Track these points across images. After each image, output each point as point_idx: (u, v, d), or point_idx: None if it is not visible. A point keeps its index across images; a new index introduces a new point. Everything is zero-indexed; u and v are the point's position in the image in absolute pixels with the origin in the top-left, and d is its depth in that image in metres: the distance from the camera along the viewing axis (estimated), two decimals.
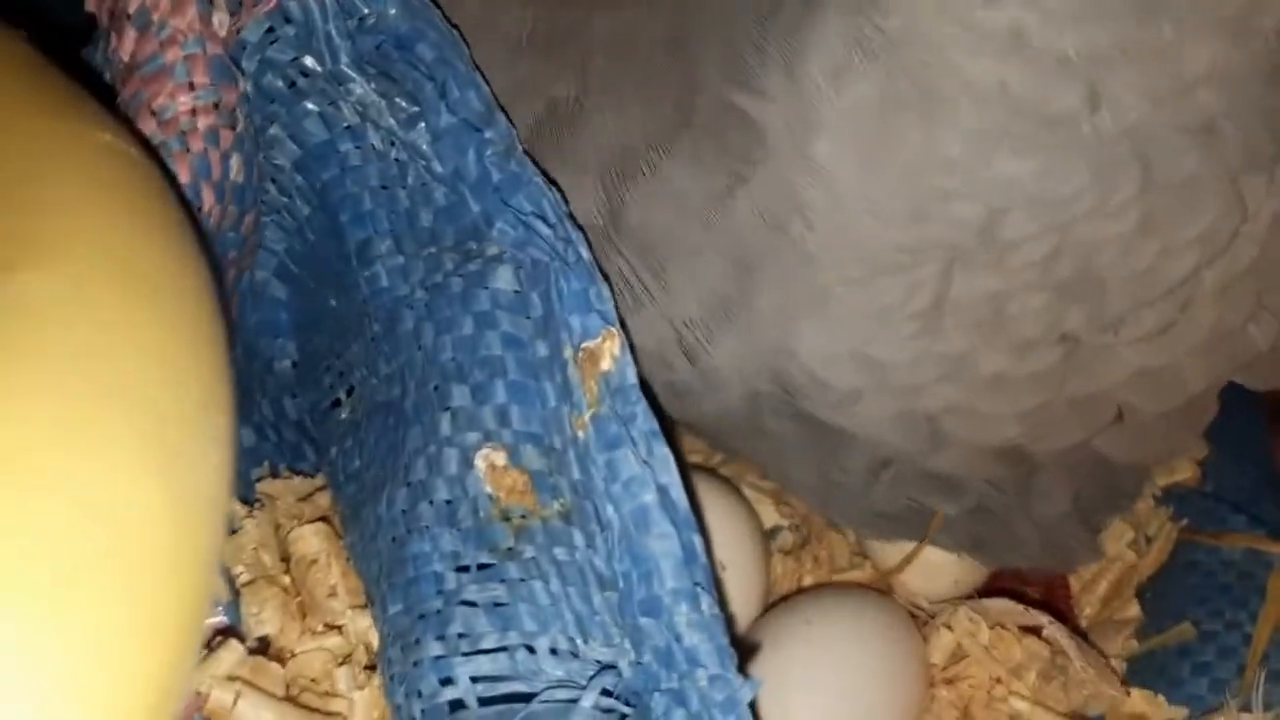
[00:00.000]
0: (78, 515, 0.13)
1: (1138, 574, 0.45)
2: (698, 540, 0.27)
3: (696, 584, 0.26)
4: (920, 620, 0.40)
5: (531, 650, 0.26)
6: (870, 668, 0.37)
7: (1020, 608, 0.39)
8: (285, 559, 0.32)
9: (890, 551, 0.42)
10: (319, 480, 0.35)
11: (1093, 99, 0.28)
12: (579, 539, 0.28)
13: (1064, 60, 0.28)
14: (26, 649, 0.13)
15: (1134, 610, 0.44)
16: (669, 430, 0.28)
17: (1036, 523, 0.39)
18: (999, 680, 0.38)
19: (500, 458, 0.28)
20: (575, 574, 0.27)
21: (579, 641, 0.26)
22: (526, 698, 0.25)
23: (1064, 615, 0.44)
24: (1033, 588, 0.44)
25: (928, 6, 0.28)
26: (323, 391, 0.35)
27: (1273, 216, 0.32)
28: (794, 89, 0.28)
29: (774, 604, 0.40)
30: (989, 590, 0.42)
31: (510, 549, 0.27)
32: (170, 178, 0.25)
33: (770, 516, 0.44)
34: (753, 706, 0.25)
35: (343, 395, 0.34)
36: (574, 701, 0.25)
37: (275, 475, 0.35)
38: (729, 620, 0.27)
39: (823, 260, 0.29)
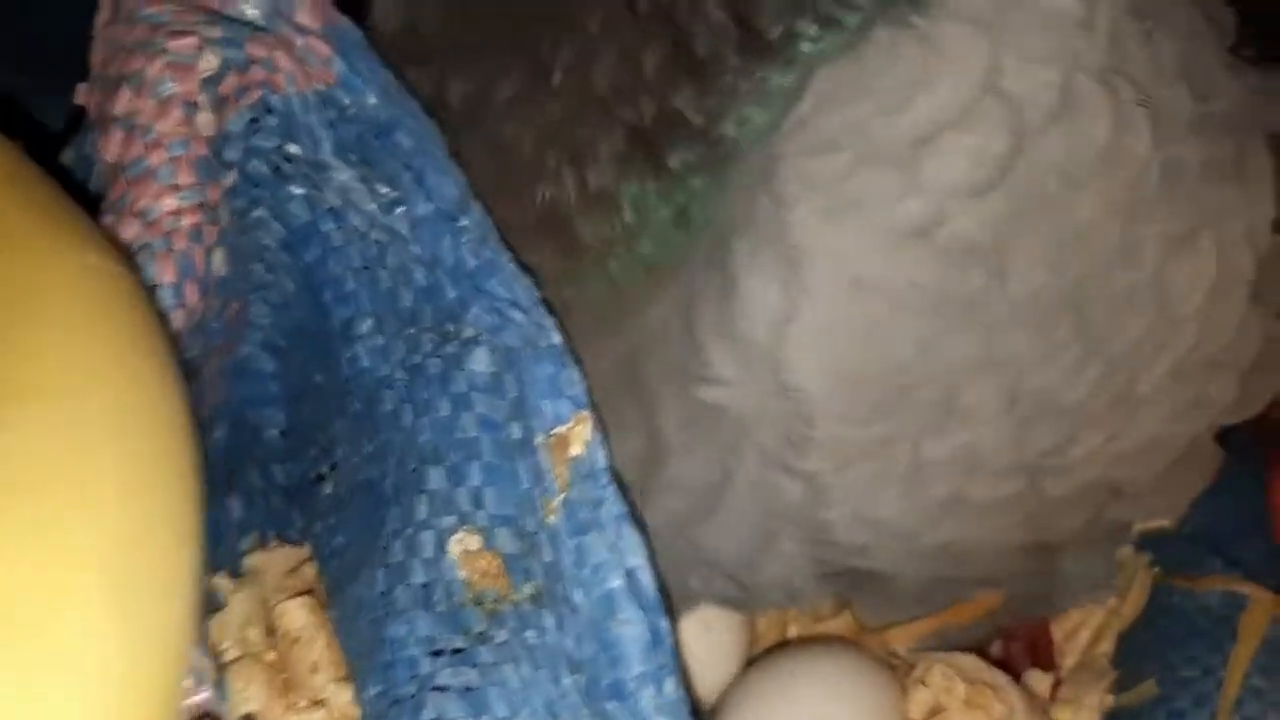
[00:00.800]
0: (36, 659, 0.14)
1: (1119, 621, 0.46)
2: (664, 624, 0.27)
3: (661, 667, 0.27)
4: (899, 670, 0.41)
5: None
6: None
7: (984, 666, 0.40)
8: (271, 632, 0.33)
9: None
10: (306, 551, 0.36)
11: (1002, 272, 0.31)
12: (549, 620, 0.29)
13: (972, 245, 0.31)
14: None
15: (1112, 660, 0.45)
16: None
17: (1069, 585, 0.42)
18: None
19: (475, 542, 0.29)
20: (546, 656, 0.28)
21: None
22: None
23: (1047, 665, 0.45)
24: (1016, 639, 0.45)
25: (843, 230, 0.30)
26: (308, 463, 0.36)
27: (1208, 292, 0.34)
28: (743, 357, 0.31)
29: (756, 657, 0.41)
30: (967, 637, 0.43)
31: (482, 633, 0.28)
32: (148, 284, 0.26)
33: None
34: None
35: (326, 470, 0.35)
36: None
37: (264, 544, 0.36)
38: (693, 703, 0.27)
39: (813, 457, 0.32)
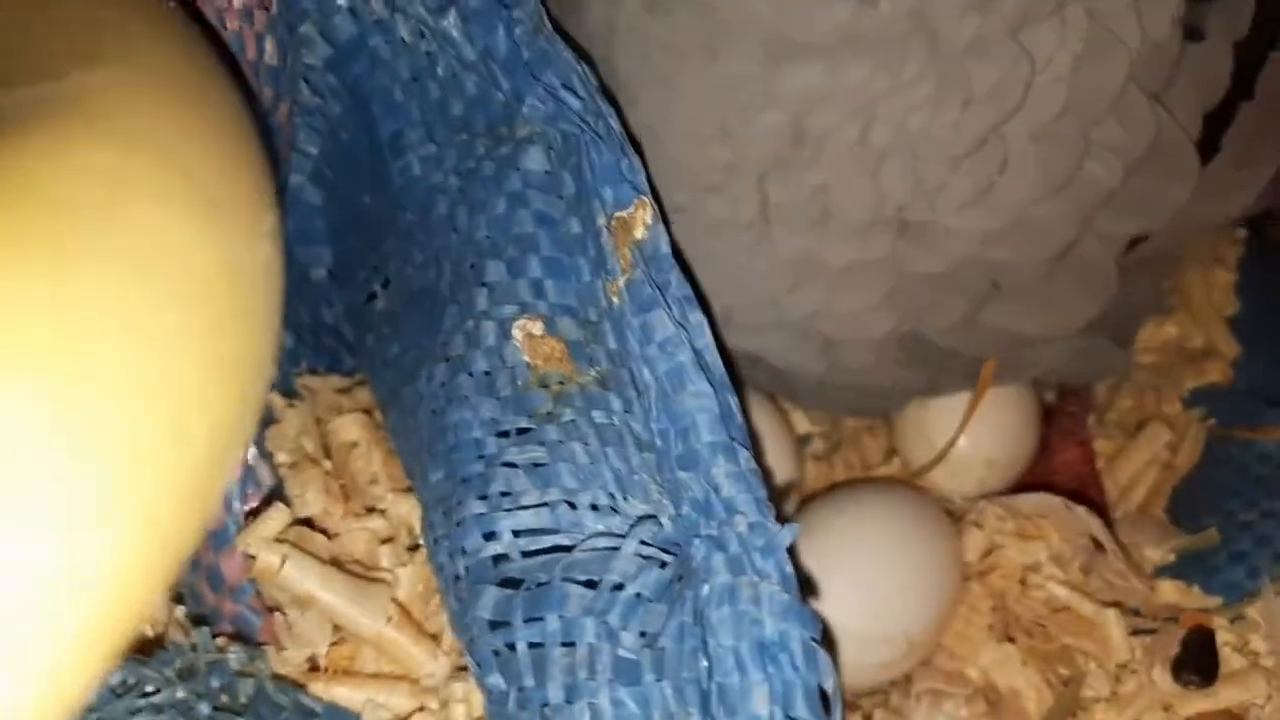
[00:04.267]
0: (140, 257, 0.13)
1: (1174, 475, 0.45)
2: (733, 400, 0.27)
3: (733, 439, 0.26)
4: (954, 517, 0.41)
5: (573, 506, 0.26)
6: (901, 557, 0.37)
7: (1057, 500, 0.39)
8: (326, 450, 0.32)
9: (920, 450, 0.42)
10: (357, 378, 0.35)
11: None
12: (616, 404, 0.28)
13: None
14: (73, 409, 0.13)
15: (1166, 511, 0.44)
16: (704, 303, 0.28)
17: None
18: (1033, 569, 0.38)
19: (537, 327, 0.29)
20: (614, 436, 0.27)
21: (619, 498, 0.26)
22: (568, 550, 0.26)
23: (1098, 515, 0.44)
24: (1062, 489, 0.44)
25: None
26: (358, 288, 0.35)
27: (1075, 58, 0.32)
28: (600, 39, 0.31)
29: (808, 498, 0.41)
30: (1018, 489, 0.42)
31: (549, 413, 0.27)
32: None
33: (802, 424, 0.45)
34: (791, 552, 0.25)
35: (378, 288, 0.34)
36: (615, 549, 0.25)
37: (314, 373, 0.36)
38: (767, 474, 0.27)
39: (661, 184, 0.31)
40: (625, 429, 0.28)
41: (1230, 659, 0.37)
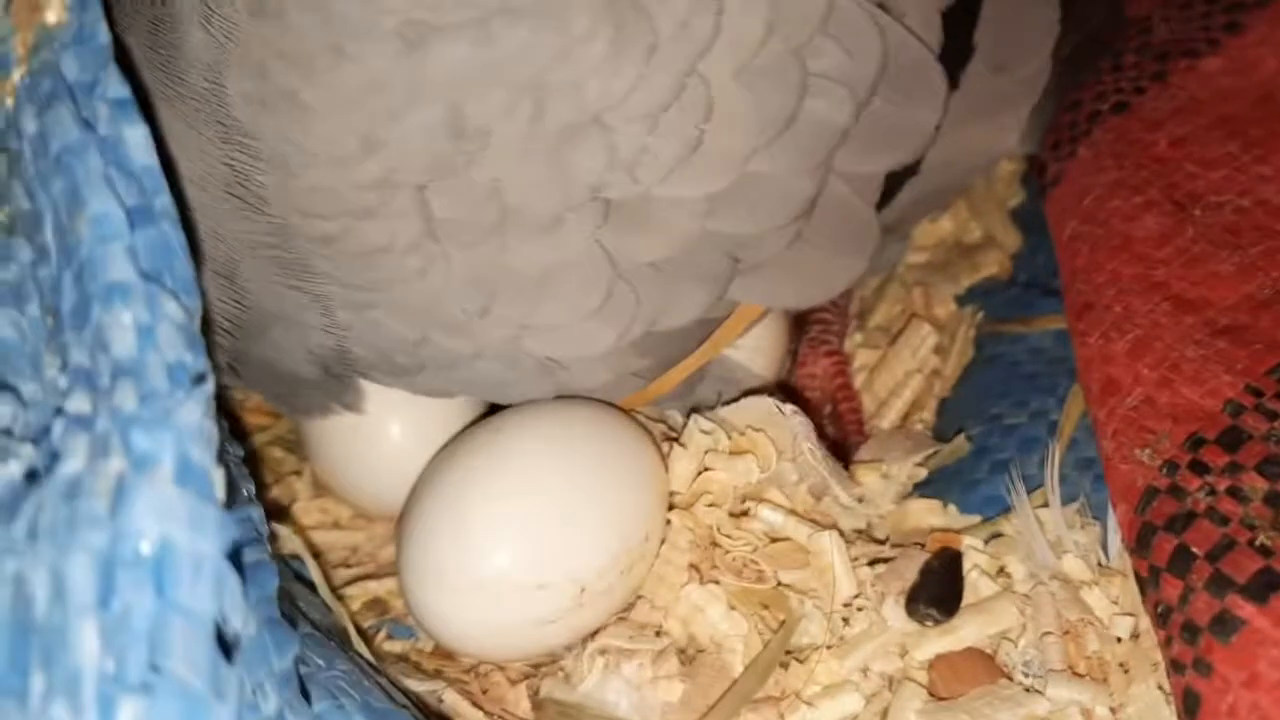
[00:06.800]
0: None
1: (943, 384, 0.38)
2: (175, 234, 0.19)
3: (153, 280, 0.18)
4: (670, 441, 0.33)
5: None
6: (569, 485, 0.29)
7: (768, 402, 0.31)
8: None
9: None
10: None
11: None
12: (25, 253, 0.20)
13: None
14: None
15: (935, 424, 0.37)
16: None
17: None
18: (749, 493, 0.31)
19: None
20: (9, 295, 0.19)
21: None
22: None
23: (856, 435, 0.37)
24: (814, 408, 0.37)
25: None
26: None
27: None
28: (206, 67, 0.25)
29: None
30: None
31: None
32: None
33: None
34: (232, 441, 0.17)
35: None
36: None
37: None
38: (207, 338, 0.19)
39: (303, 216, 0.26)
40: (31, 284, 0.19)
41: (979, 585, 0.29)
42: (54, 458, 0.16)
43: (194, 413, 0.17)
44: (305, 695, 0.19)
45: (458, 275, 0.27)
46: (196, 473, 0.16)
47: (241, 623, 0.16)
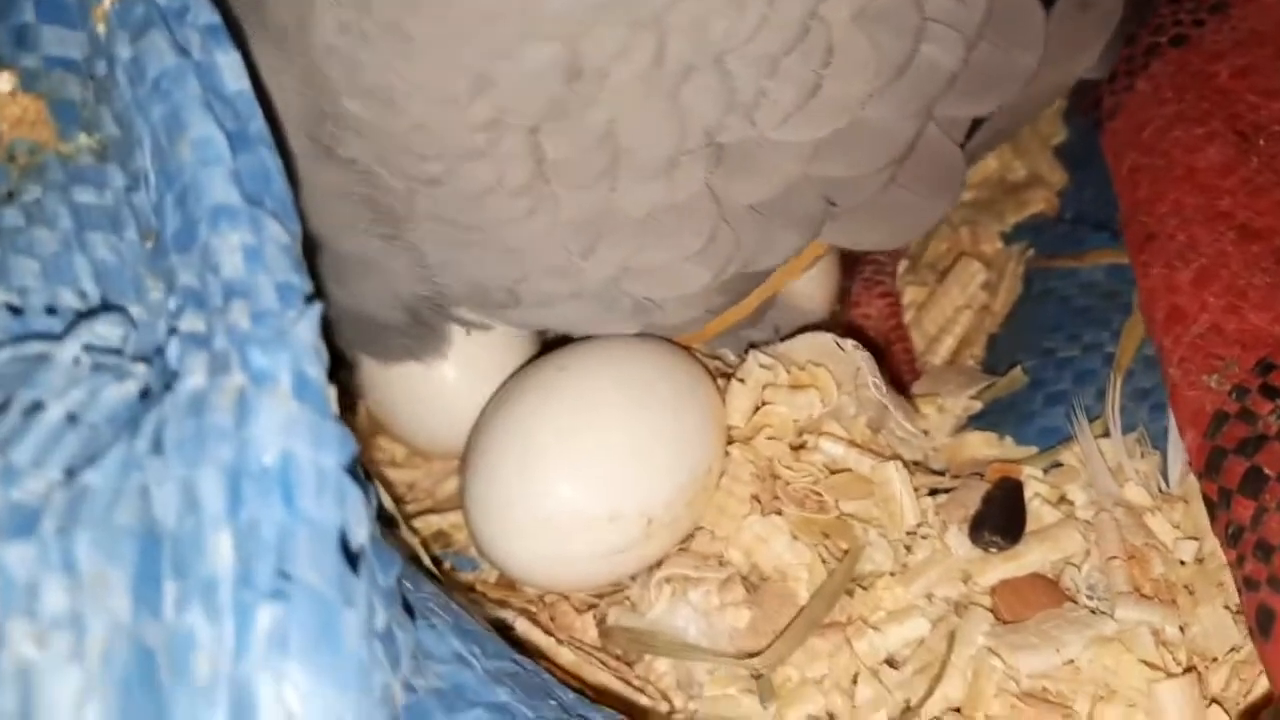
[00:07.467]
0: None
1: (992, 320, 0.38)
2: (272, 160, 0.19)
3: (257, 204, 0.18)
4: (726, 378, 0.33)
5: (15, 310, 0.18)
6: (634, 421, 0.29)
7: (827, 338, 0.31)
8: None
9: None
10: None
11: None
12: (119, 178, 0.20)
13: None
14: None
15: (985, 360, 0.37)
16: None
17: None
18: (808, 427, 0.31)
19: (5, 83, 0.20)
20: (104, 219, 0.19)
21: (95, 297, 0.18)
22: None
23: (909, 373, 0.37)
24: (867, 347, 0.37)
25: None
26: None
27: None
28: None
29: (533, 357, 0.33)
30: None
31: (10, 192, 0.19)
32: None
33: None
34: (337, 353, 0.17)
35: None
36: (49, 358, 0.17)
37: None
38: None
39: (405, 156, 0.25)
40: (126, 209, 0.19)
41: (1041, 513, 0.30)
42: (172, 375, 0.16)
43: (307, 331, 0.17)
44: (409, 613, 0.19)
45: (565, 216, 0.27)
46: (313, 389, 0.16)
47: (365, 535, 0.16)
